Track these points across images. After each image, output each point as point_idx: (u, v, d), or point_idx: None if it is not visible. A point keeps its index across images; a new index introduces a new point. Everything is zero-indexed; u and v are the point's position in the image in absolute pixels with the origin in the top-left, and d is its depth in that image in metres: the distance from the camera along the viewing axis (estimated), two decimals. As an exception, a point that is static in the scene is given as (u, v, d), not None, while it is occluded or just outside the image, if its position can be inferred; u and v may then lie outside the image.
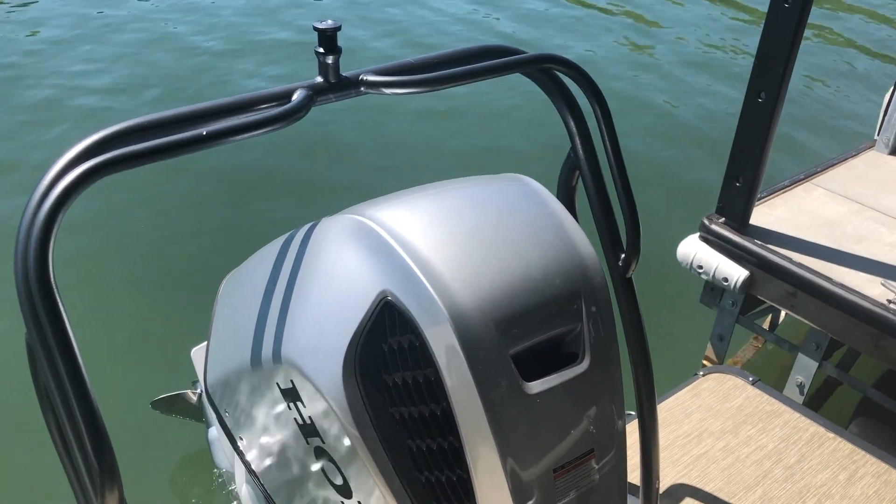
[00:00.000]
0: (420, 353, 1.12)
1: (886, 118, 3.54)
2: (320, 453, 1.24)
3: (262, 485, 1.51)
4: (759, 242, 2.72)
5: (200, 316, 1.79)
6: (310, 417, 1.21)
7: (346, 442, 1.16)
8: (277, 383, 1.24)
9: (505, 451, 1.13)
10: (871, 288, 2.57)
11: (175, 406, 2.53)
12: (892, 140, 3.55)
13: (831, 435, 2.23)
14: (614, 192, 1.49)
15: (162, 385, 2.57)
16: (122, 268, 3.79)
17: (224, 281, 1.58)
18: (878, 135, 3.58)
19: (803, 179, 3.28)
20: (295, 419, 1.25)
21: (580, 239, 1.26)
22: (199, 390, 2.45)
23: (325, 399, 1.16)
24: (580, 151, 1.46)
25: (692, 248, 2.87)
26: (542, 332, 1.17)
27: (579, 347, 1.21)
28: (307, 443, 1.26)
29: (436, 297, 1.10)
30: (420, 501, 1.18)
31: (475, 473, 1.14)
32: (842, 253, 2.76)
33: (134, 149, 1.02)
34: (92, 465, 1.02)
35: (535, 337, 1.16)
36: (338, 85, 1.25)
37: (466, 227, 1.20)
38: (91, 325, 3.29)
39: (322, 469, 1.26)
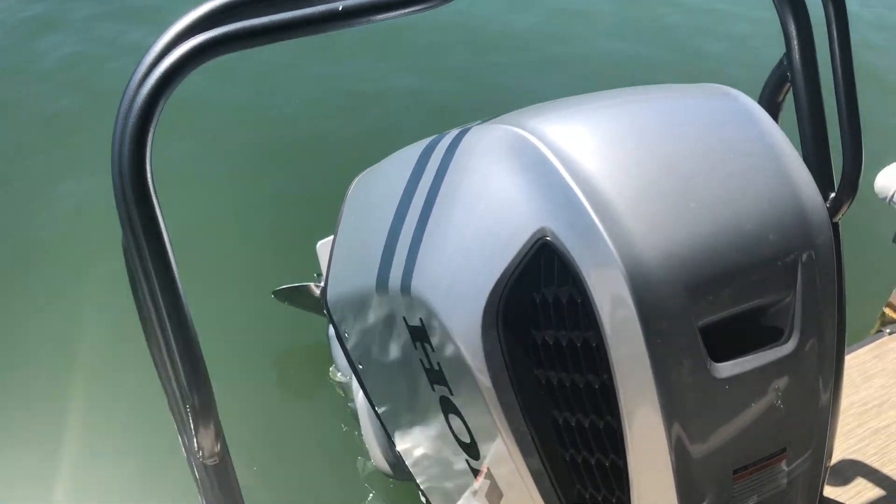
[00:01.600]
0: (581, 310, 0.88)
1: None
2: (447, 405, 1.05)
3: (380, 419, 1.36)
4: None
5: (329, 209, 1.61)
6: (438, 364, 1.02)
7: (479, 400, 0.96)
8: (404, 318, 1.05)
9: (677, 443, 0.89)
10: None
11: (298, 297, 2.42)
12: None
13: None
14: (833, 114, 1.17)
15: (285, 276, 2.47)
16: (243, 148, 3.56)
17: (357, 179, 1.38)
18: None
19: None
20: (421, 361, 1.06)
21: (805, 181, 0.96)
22: (323, 284, 2.32)
23: (458, 347, 0.96)
24: (796, 57, 1.13)
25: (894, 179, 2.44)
26: (745, 302, 0.91)
27: (786, 323, 0.94)
28: (433, 389, 1.07)
29: (610, 242, 0.85)
30: (562, 482, 0.98)
31: (634, 464, 0.92)
32: None
33: (252, 24, 0.80)
34: (186, 395, 0.86)
35: (735, 307, 0.90)
36: None
37: (658, 153, 0.93)
38: (210, 209, 3.18)
39: (447, 422, 1.08)
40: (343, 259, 1.33)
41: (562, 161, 0.89)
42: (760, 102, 1.22)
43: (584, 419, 0.93)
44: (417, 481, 1.40)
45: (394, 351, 1.15)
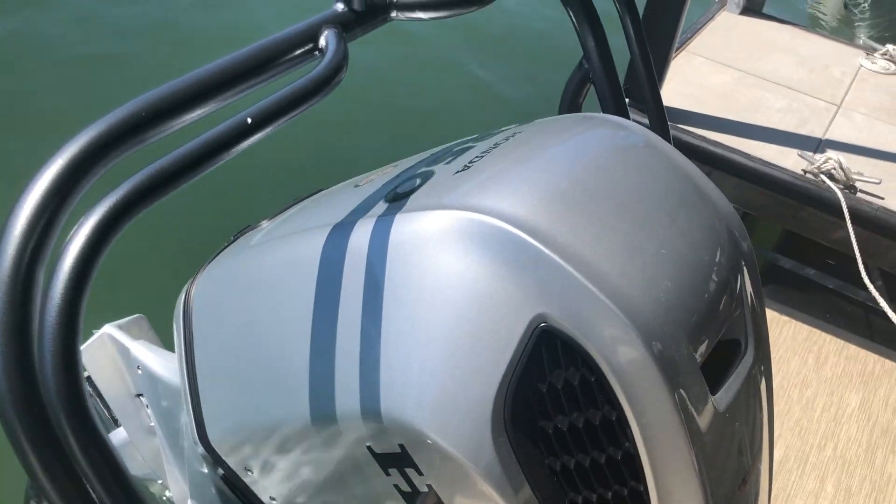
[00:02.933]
0: (595, 386, 0.83)
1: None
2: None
3: None
4: (673, 124, 2.60)
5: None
6: (428, 485, 0.90)
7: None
8: (369, 447, 0.91)
9: (708, 488, 0.89)
10: (785, 159, 2.55)
11: None
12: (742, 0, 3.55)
13: (785, 318, 2.21)
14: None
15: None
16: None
17: (196, 283, 1.15)
18: None
19: (679, 48, 3.19)
20: (397, 487, 0.93)
21: (717, 193, 1.00)
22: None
23: (463, 464, 0.85)
24: (595, 58, 1.18)
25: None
26: (723, 329, 0.92)
27: (741, 334, 0.98)
28: (410, 511, 0.94)
29: (614, 308, 0.81)
30: None
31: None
32: (745, 125, 2.72)
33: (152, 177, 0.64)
34: None
35: (718, 336, 0.91)
36: (367, 12, 0.91)
37: (609, 203, 0.89)
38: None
39: None
40: (222, 387, 1.12)
41: (538, 239, 0.82)
42: (562, 106, 1.25)
43: (605, 493, 0.89)
44: None
45: (345, 487, 1.00)
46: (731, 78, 3.04)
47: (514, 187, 0.88)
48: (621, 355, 0.81)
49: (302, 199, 1.22)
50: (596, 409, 0.83)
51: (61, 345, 0.62)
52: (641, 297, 0.82)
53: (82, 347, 1.73)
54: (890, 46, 3.52)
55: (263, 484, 1.15)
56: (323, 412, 0.94)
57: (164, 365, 1.68)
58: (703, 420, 0.86)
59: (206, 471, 1.33)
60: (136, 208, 0.66)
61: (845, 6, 6.47)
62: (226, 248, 1.18)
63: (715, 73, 3.07)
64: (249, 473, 1.14)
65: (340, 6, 0.91)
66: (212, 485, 1.57)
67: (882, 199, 2.52)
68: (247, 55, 0.83)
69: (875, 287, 2.20)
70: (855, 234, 2.33)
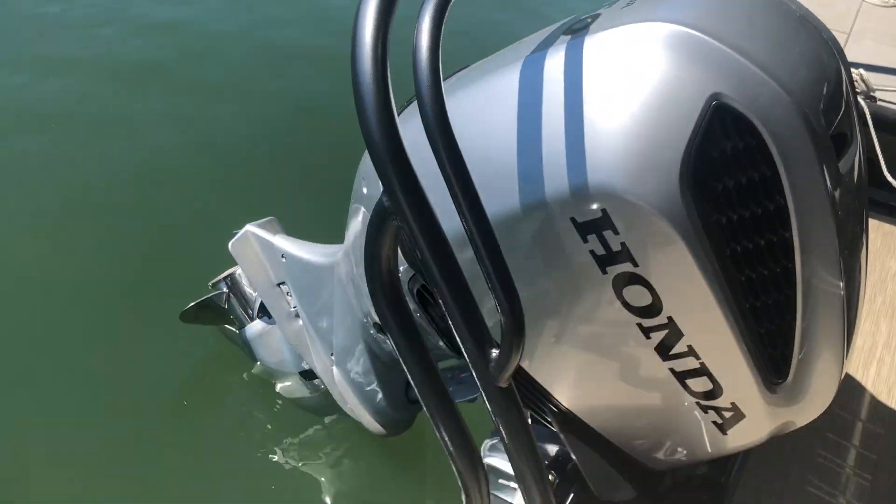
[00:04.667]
0: (757, 152, 1.11)
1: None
2: (626, 280, 1.21)
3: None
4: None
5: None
6: (622, 243, 1.17)
7: (673, 257, 1.14)
8: (572, 218, 1.17)
9: (838, 233, 1.17)
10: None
11: (205, 314, 2.32)
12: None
13: None
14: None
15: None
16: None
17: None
18: None
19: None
20: (592, 252, 1.20)
21: (820, 23, 1.28)
22: (223, 289, 2.26)
23: (654, 215, 1.12)
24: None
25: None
26: (839, 116, 1.20)
27: (848, 128, 1.25)
28: (604, 273, 1.21)
29: (775, 84, 1.08)
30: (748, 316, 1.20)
31: (806, 258, 1.17)
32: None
33: None
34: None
35: (836, 120, 1.19)
36: None
37: (751, 16, 1.17)
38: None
39: (622, 298, 1.23)
40: None
41: (710, 35, 1.10)
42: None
43: (759, 241, 1.16)
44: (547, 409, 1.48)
45: (544, 270, 1.25)
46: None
47: (682, 4, 1.15)
48: (778, 123, 1.08)
49: (462, 69, 1.48)
50: (756, 169, 1.10)
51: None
52: (791, 80, 1.10)
53: (230, 244, 2.04)
54: (887, -18, 3.81)
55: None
56: (535, 199, 1.19)
57: (307, 250, 1.95)
58: (832, 178, 1.14)
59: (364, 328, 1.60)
60: None
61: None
62: (408, 105, 1.44)
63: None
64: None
65: None
66: (362, 342, 1.83)
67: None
68: None
69: None
70: (878, 139, 2.61)
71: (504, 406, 1.06)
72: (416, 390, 1.10)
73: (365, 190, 1.51)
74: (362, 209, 1.59)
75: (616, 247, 1.20)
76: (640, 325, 1.28)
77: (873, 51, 3.16)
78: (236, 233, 2.08)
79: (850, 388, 1.84)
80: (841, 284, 1.27)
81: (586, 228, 1.20)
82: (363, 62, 0.90)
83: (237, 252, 2.08)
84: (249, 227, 2.08)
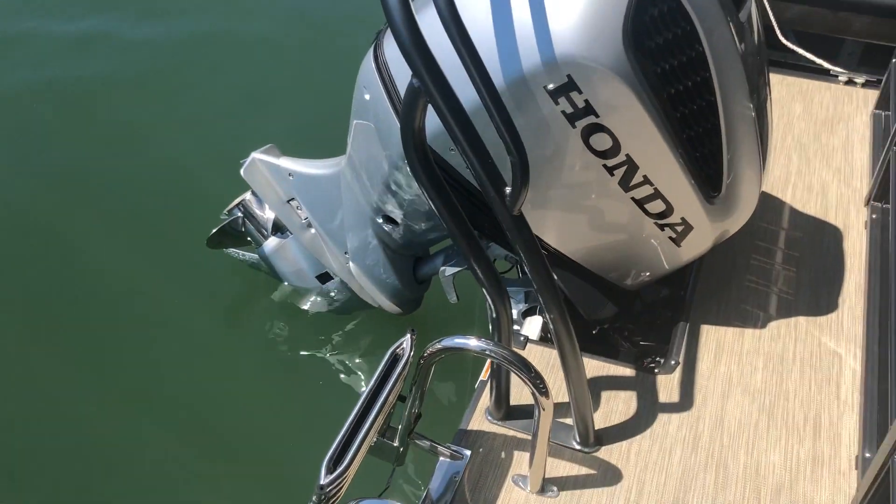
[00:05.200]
0: (677, 12, 1.47)
1: None
2: (590, 129, 1.56)
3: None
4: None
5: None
6: (585, 100, 1.51)
7: (627, 104, 1.50)
8: (544, 87, 1.51)
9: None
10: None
11: (228, 238, 2.62)
12: None
13: None
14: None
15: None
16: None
17: (383, 48, 1.73)
18: None
19: None
20: (563, 112, 1.54)
21: None
22: (238, 214, 2.55)
23: (608, 72, 1.47)
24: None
25: None
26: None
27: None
28: (573, 126, 1.56)
29: None
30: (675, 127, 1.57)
31: (724, 92, 1.55)
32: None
33: None
34: None
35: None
36: None
37: None
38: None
39: (587, 144, 1.58)
40: None
41: None
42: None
43: (687, 82, 1.53)
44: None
45: (528, 123, 1.58)
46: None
47: None
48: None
49: None
50: (678, 26, 1.45)
51: None
52: None
53: (241, 172, 2.39)
54: None
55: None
56: (515, 75, 1.52)
57: (311, 165, 2.26)
58: (735, 26, 1.50)
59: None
60: None
61: None
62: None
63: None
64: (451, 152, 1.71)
65: None
66: (373, 235, 2.15)
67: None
68: None
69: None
70: (770, 7, 2.99)
71: (519, 228, 1.41)
72: (446, 226, 1.43)
73: (367, 96, 1.81)
74: (364, 122, 1.90)
75: (581, 104, 1.55)
76: (605, 165, 1.64)
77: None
78: (244, 162, 2.37)
79: (772, 207, 2.26)
80: (753, 112, 1.65)
81: (556, 93, 1.55)
82: None
83: (249, 177, 2.38)
84: (255, 154, 2.37)
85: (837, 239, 2.20)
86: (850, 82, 2.80)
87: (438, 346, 1.53)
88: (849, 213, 2.28)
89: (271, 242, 2.58)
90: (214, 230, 2.66)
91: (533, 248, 1.43)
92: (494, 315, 1.56)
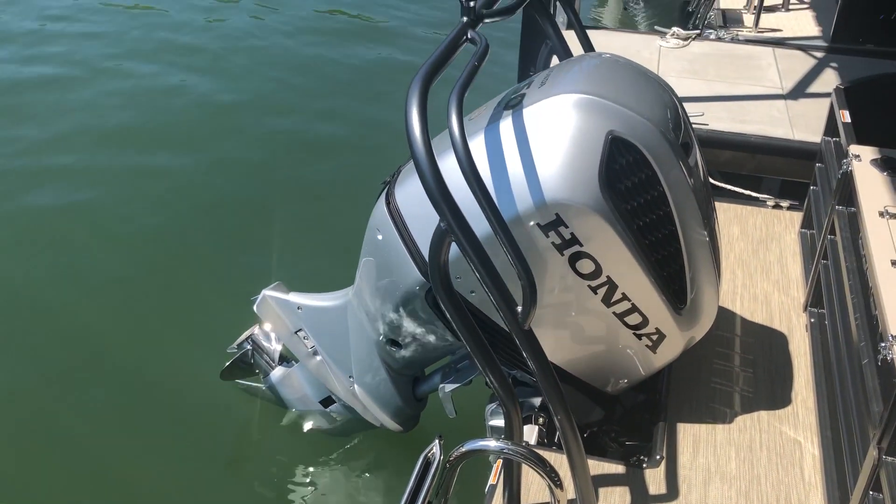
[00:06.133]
0: (641, 161, 1.82)
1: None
2: (576, 256, 1.87)
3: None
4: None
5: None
6: (571, 233, 1.83)
7: (604, 234, 1.82)
8: (538, 224, 1.83)
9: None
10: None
11: (239, 370, 2.83)
12: None
13: None
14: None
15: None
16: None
17: (394, 197, 2.03)
18: None
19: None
20: (553, 243, 1.86)
21: (665, 84, 2.03)
22: (247, 347, 2.77)
23: (588, 209, 1.80)
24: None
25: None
26: (682, 135, 1.93)
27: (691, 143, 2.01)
28: (562, 254, 1.87)
29: (643, 119, 1.80)
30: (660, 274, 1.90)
31: (682, 222, 1.89)
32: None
33: None
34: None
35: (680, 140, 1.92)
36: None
37: (623, 81, 1.90)
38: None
39: (574, 269, 1.88)
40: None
41: (598, 95, 1.81)
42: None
43: (652, 215, 1.87)
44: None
45: (526, 253, 1.87)
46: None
47: (578, 79, 1.85)
48: (649, 142, 1.80)
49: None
50: (642, 172, 1.80)
51: None
52: (652, 114, 1.84)
53: (254, 307, 2.72)
54: (675, 28, 4.79)
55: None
56: (513, 215, 1.83)
57: (319, 298, 2.52)
58: (687, 169, 1.86)
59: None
60: None
61: (625, 7, 8.06)
62: (397, 176, 2.07)
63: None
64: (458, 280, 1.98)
65: None
66: (377, 358, 2.40)
67: (706, 124, 3.67)
68: None
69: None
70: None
71: (530, 341, 1.67)
72: (465, 344, 1.68)
73: (380, 237, 2.10)
74: (374, 259, 2.18)
75: (568, 236, 1.87)
76: (589, 286, 1.95)
77: (677, 84, 4.06)
78: (255, 299, 2.63)
79: (725, 316, 2.59)
80: (706, 237, 1.99)
81: (547, 228, 1.87)
82: (417, 145, 1.52)
83: (261, 311, 2.64)
84: (265, 292, 2.63)
85: (783, 342, 2.53)
86: (777, 206, 3.23)
87: (462, 449, 1.75)
88: (790, 318, 2.62)
89: (278, 371, 2.80)
90: (228, 363, 2.87)
91: (542, 358, 1.69)
92: (507, 418, 1.80)
